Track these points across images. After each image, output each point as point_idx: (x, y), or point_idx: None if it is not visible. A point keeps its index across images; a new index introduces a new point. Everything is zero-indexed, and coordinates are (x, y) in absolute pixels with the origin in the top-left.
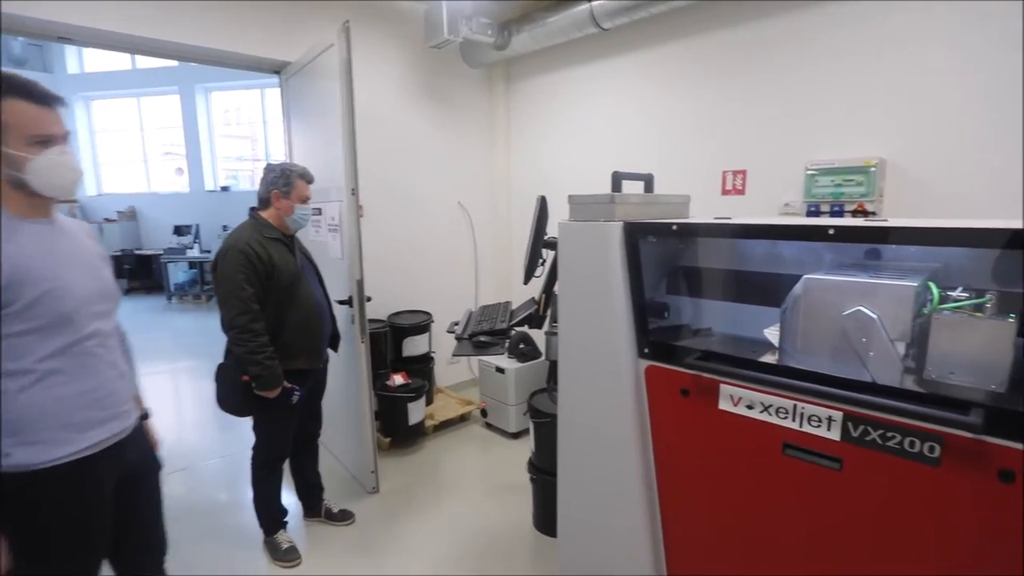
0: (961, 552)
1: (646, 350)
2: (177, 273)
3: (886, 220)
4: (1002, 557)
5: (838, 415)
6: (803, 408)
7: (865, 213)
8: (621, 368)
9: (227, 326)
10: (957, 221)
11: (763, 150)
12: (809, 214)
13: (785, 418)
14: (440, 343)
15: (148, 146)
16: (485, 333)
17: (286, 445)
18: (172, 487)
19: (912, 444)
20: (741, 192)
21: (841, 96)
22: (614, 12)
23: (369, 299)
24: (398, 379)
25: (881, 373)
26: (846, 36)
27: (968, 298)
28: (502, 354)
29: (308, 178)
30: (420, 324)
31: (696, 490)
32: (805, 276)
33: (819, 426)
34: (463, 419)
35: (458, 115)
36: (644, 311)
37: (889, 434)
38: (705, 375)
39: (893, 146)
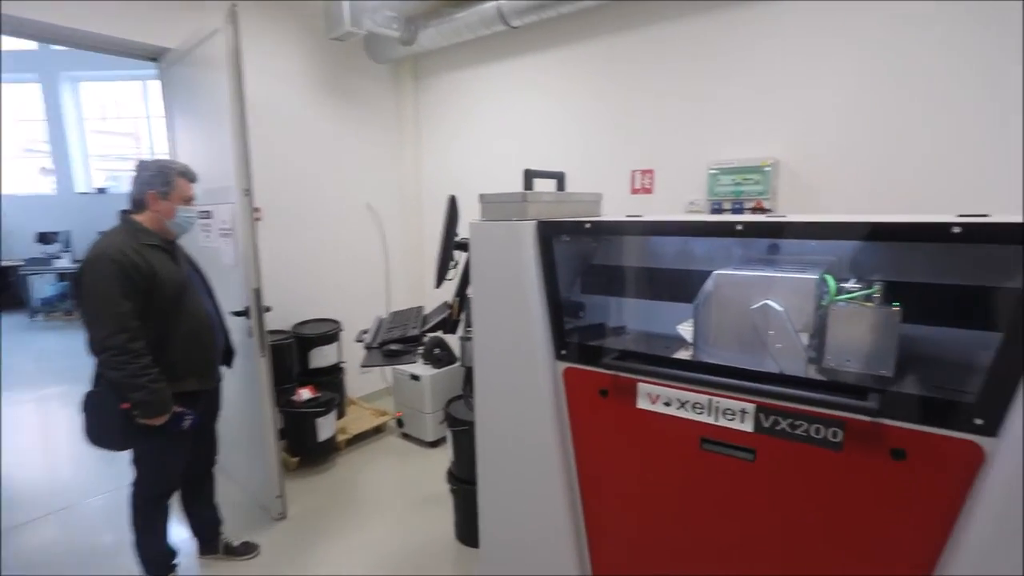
0: (862, 528)
1: (563, 352)
2: (43, 287)
3: (784, 216)
4: (897, 528)
5: (751, 407)
6: (718, 402)
7: (763, 210)
8: (538, 371)
9: (99, 347)
10: (851, 216)
11: (669, 150)
12: (713, 212)
13: (701, 413)
14: (351, 352)
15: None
16: (396, 341)
17: (175, 477)
18: (46, 532)
19: (818, 431)
20: (649, 191)
21: (740, 98)
22: (523, 10)
23: (268, 309)
24: (305, 393)
25: (789, 364)
26: (744, 41)
27: (860, 289)
28: (415, 362)
29: (190, 176)
30: (327, 333)
31: (618, 489)
32: (715, 272)
33: (733, 419)
34: (378, 431)
35: (364, 112)
36: (560, 312)
37: (797, 422)
38: (623, 375)
39: (785, 147)
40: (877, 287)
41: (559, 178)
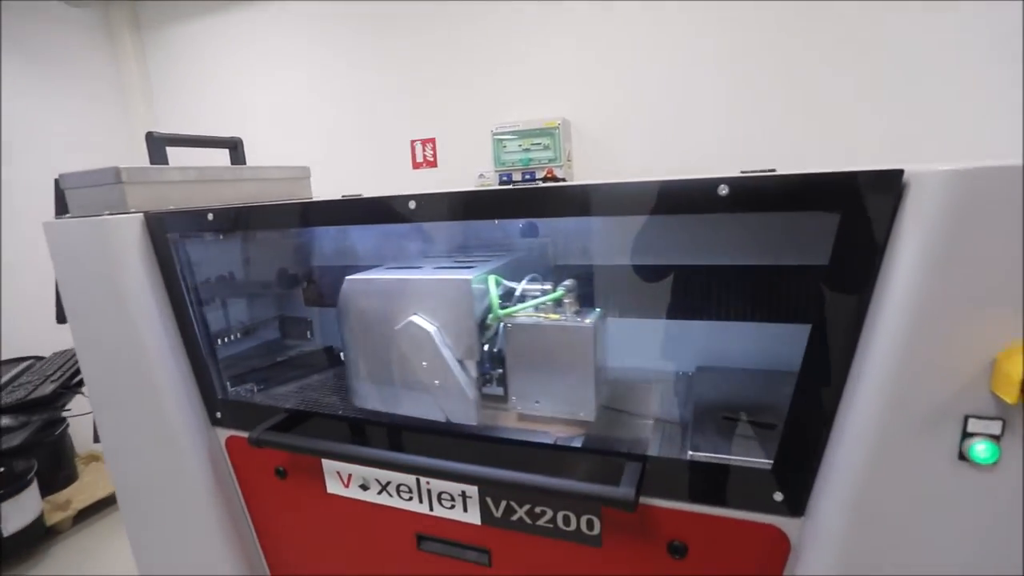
0: None
1: (218, 414)
2: None
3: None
4: None
5: (473, 490)
6: (429, 484)
7: (554, 179)
8: (183, 447)
9: None
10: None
11: (450, 115)
12: (502, 183)
13: (410, 499)
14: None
15: None
16: (8, 410)
17: None
18: None
19: (567, 521)
20: (433, 164)
21: (519, 55)
22: None
23: None
24: None
25: (456, 410)
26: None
27: (542, 292)
28: (15, 444)
29: None
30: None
31: None
32: (347, 277)
33: (453, 506)
34: None
35: (61, 75)
36: (208, 357)
37: (538, 510)
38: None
39: (573, 105)
40: (564, 288)
41: (233, 146)
